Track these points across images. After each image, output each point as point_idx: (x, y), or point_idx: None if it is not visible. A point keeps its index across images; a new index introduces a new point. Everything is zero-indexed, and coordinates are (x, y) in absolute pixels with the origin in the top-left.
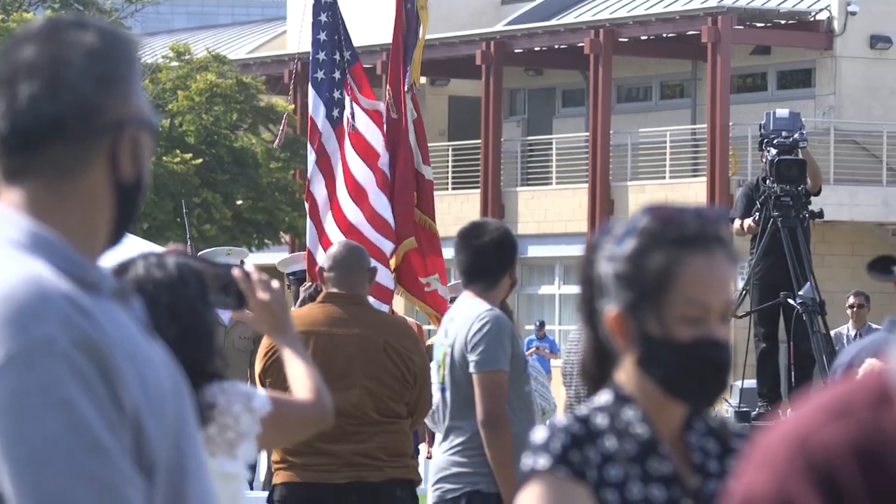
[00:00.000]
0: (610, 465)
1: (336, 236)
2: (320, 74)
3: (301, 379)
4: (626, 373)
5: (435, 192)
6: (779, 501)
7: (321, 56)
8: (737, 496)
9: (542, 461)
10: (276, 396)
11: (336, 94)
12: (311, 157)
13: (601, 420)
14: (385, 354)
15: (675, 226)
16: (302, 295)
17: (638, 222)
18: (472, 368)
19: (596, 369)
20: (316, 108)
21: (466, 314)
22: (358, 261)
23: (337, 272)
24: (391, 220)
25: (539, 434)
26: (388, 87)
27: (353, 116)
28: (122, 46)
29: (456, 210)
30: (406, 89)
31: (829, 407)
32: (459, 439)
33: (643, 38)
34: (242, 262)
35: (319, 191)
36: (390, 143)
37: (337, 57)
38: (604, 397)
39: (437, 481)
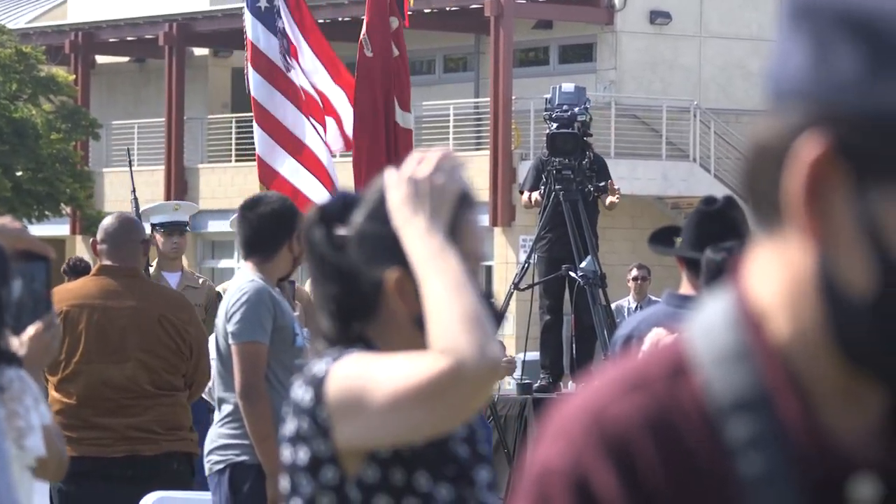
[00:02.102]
0: None
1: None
2: (263, 3)
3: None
4: (380, 330)
5: (218, 164)
6: (574, 474)
7: None
8: (532, 468)
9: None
10: (52, 419)
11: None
12: (262, 88)
13: None
14: (160, 326)
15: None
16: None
17: None
18: (229, 339)
19: (343, 329)
20: (267, 41)
21: (233, 286)
22: (129, 233)
23: (109, 244)
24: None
25: (317, 365)
26: (365, 21)
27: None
28: None
29: (240, 182)
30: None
31: (624, 379)
32: (226, 411)
33: (426, 11)
34: (187, 225)
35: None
36: (359, 81)
37: None
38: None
39: (208, 454)
